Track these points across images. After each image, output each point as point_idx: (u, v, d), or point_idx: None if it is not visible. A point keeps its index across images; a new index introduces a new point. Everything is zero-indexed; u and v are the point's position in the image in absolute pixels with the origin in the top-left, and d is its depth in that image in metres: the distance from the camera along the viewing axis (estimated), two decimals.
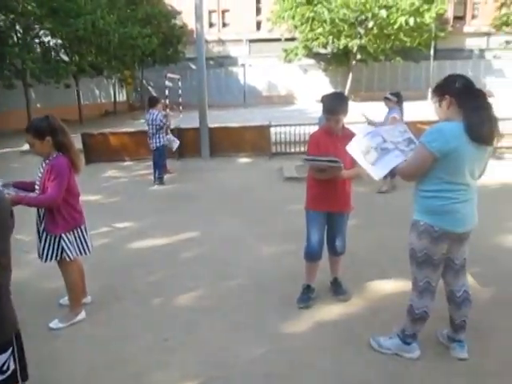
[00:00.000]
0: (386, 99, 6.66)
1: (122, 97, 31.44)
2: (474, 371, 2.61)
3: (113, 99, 27.98)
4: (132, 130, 11.78)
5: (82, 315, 3.36)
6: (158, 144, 7.80)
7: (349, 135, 3.26)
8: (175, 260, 4.49)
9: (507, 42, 10.22)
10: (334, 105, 3.15)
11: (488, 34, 28.99)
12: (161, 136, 7.80)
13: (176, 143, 8.62)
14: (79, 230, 3.26)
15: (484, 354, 2.75)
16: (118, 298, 3.71)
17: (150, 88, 32.07)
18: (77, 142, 4.01)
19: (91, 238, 3.44)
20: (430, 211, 2.46)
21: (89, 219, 3.43)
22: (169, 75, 22.88)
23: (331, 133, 3.23)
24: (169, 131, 8.69)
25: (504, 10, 9.03)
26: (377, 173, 2.56)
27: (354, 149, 2.65)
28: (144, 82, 31.37)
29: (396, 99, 6.53)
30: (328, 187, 3.22)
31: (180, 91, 24.40)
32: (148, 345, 3.02)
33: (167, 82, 22.13)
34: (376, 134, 2.63)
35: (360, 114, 6.85)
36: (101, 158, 10.17)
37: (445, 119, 2.45)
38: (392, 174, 6.77)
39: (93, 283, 3.77)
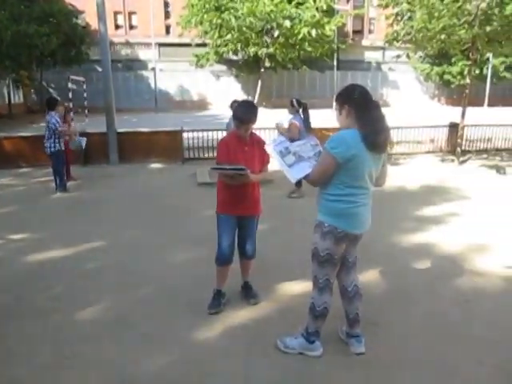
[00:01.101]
0: (291, 103, 6.85)
1: (18, 99, 29.00)
2: (372, 364, 2.77)
3: (7, 101, 25.65)
4: (29, 134, 10.89)
5: None
6: (52, 149, 7.18)
7: (256, 140, 3.35)
8: (77, 272, 4.21)
9: (398, 56, 11.20)
10: (245, 114, 3.19)
11: (383, 48, 31.57)
12: (55, 140, 7.19)
13: (83, 141, 8.08)
14: None
15: (382, 347, 2.94)
16: (11, 315, 3.39)
17: (51, 90, 30.01)
18: None
19: None
20: (334, 214, 2.59)
21: None
22: (72, 77, 21.66)
23: (240, 138, 3.27)
24: (76, 134, 8.11)
25: (395, 27, 9.97)
26: (293, 175, 2.70)
27: (274, 149, 2.76)
28: (44, 83, 29.27)
29: (298, 107, 6.73)
30: (237, 191, 3.26)
31: (85, 94, 23.21)
32: (45, 363, 2.79)
33: (70, 85, 20.93)
34: (293, 144, 2.80)
35: (275, 125, 7.04)
36: None
37: (345, 127, 2.60)
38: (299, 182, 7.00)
39: None
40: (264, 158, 3.35)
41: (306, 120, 6.71)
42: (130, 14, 32.49)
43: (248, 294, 3.59)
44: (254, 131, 3.38)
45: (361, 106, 2.53)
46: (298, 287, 3.79)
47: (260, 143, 3.36)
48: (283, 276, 3.99)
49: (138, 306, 3.52)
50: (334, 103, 2.77)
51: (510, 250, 4.68)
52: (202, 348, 2.96)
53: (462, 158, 10.19)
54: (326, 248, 2.63)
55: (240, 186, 3.22)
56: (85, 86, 23.25)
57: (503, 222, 5.68)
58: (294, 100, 6.83)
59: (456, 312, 3.43)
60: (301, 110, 6.73)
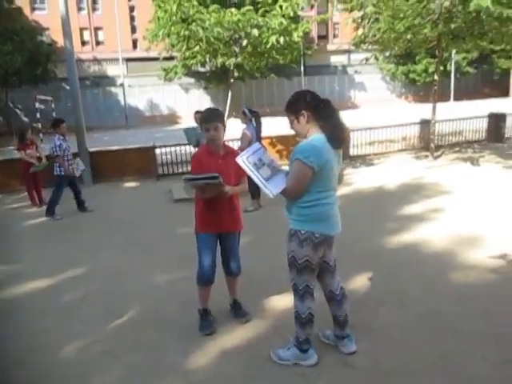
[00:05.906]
0: (243, 113, 6.70)
1: None
2: (374, 373, 2.69)
3: None
4: None
5: None
6: (56, 172, 7.03)
7: (231, 152, 3.25)
8: (59, 303, 4.01)
9: (367, 59, 11.32)
10: (209, 113, 3.18)
11: (349, 51, 32.08)
12: (56, 164, 7.01)
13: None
14: None
15: (381, 354, 2.88)
16: None
17: (17, 111, 29.25)
18: None
19: None
20: (310, 220, 2.56)
21: None
22: (39, 97, 21.15)
23: (213, 151, 3.17)
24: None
25: (361, 31, 10.12)
26: (272, 190, 2.49)
27: (246, 161, 2.53)
28: (10, 104, 28.49)
29: (250, 116, 6.62)
30: (216, 207, 3.14)
31: (54, 113, 22.68)
32: None
33: (38, 104, 20.44)
34: (264, 152, 2.65)
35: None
36: None
37: (305, 133, 2.60)
38: (255, 194, 6.73)
39: None
40: (241, 171, 3.26)
41: (258, 128, 6.66)
42: (96, 29, 32.15)
43: (238, 312, 3.48)
44: (225, 143, 3.31)
45: (318, 107, 2.56)
46: (287, 300, 3.65)
47: (235, 154, 3.27)
48: (270, 290, 3.88)
49: (124, 335, 3.35)
50: (286, 114, 2.66)
51: (496, 239, 4.72)
52: (195, 374, 2.83)
53: (436, 153, 10.35)
54: (305, 255, 2.59)
55: (219, 202, 3.09)
56: (53, 105, 22.76)
57: (485, 212, 5.77)
58: (246, 110, 6.73)
59: (451, 308, 3.39)
60: (253, 119, 6.67)
